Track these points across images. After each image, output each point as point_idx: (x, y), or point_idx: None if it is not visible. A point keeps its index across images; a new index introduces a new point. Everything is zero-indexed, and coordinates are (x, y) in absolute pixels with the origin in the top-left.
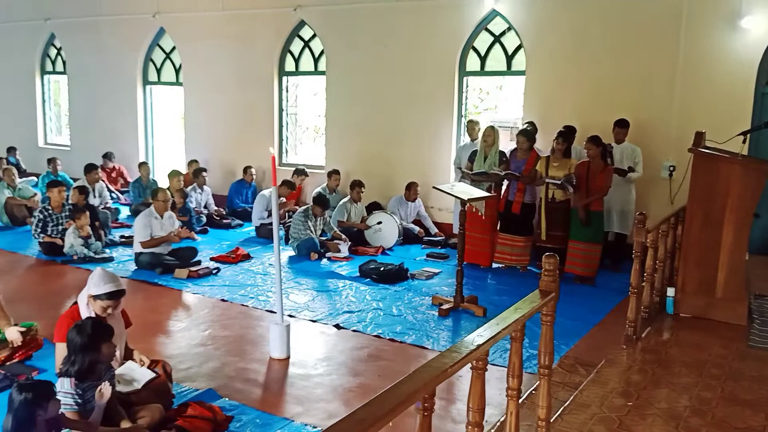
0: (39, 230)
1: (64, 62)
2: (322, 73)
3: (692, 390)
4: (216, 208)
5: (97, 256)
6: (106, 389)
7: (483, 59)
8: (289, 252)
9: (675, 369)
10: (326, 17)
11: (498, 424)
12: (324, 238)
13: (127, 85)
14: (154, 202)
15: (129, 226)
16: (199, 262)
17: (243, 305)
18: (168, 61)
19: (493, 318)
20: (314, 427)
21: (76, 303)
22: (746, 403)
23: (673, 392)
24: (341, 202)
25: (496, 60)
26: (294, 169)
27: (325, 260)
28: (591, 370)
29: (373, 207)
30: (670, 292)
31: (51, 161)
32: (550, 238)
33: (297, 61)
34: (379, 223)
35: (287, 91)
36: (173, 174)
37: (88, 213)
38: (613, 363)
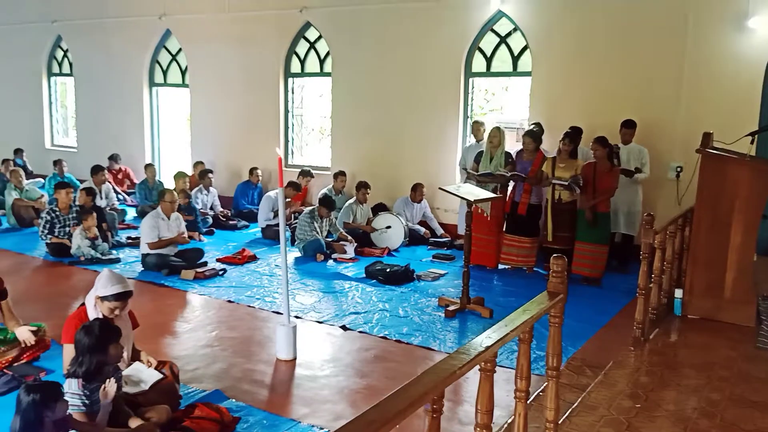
0: (46, 231)
1: (70, 64)
2: (328, 74)
3: (701, 392)
4: (221, 209)
5: (104, 258)
6: (110, 387)
7: (489, 60)
8: (295, 253)
9: (683, 371)
10: (332, 19)
11: (505, 426)
12: (330, 240)
13: (134, 86)
14: (161, 203)
15: (135, 228)
16: (205, 264)
17: (249, 306)
18: (174, 63)
19: (500, 319)
20: (321, 429)
21: (83, 304)
22: (755, 405)
23: (682, 394)
24: (347, 204)
25: (502, 61)
26: (299, 170)
27: (331, 261)
28: (598, 371)
29: (379, 208)
30: (678, 293)
31: (57, 163)
32: (556, 239)
33: (303, 62)
34: (388, 227)
35: (293, 93)
36: (179, 175)
37: (95, 214)
38: (621, 365)
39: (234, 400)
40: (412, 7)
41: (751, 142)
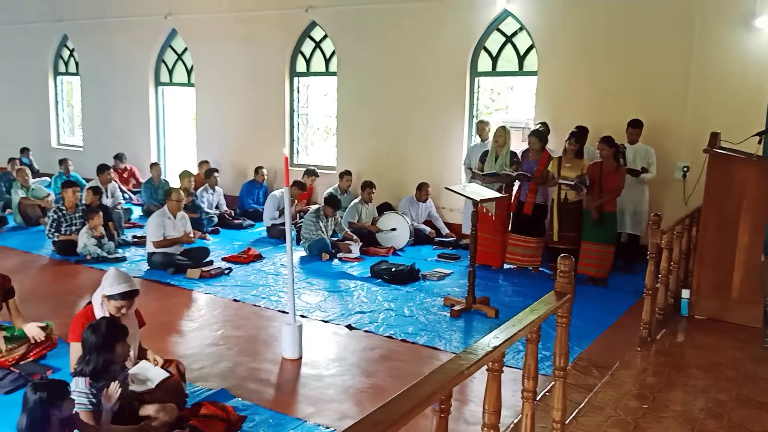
0: (53, 230)
1: (76, 63)
2: (334, 73)
3: (708, 392)
4: (225, 209)
5: (110, 256)
6: (113, 391)
7: (494, 59)
8: (300, 252)
9: (690, 371)
10: (337, 18)
11: (511, 426)
12: (335, 239)
13: (139, 86)
14: (167, 201)
15: (141, 227)
16: (211, 263)
17: (255, 305)
18: (180, 62)
19: (506, 319)
20: (327, 428)
21: (90, 303)
22: (762, 406)
23: (689, 395)
24: (352, 203)
25: (508, 60)
26: (305, 169)
27: (336, 261)
28: (605, 372)
29: (384, 208)
30: (685, 293)
31: (63, 162)
32: (562, 239)
33: (308, 61)
34: (394, 229)
35: (298, 92)
36: (184, 174)
37: (101, 213)
38: (628, 365)
39: (240, 399)
40: (417, 6)
41: (759, 142)
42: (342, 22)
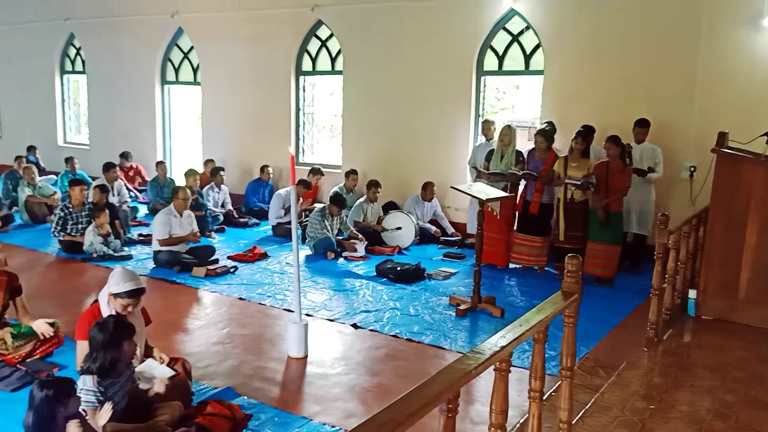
0: (59, 228)
1: (83, 62)
2: (339, 72)
3: (715, 393)
4: (231, 207)
5: (116, 254)
6: (104, 413)
7: (501, 59)
8: (305, 251)
9: (697, 372)
10: (344, 17)
11: (517, 426)
12: (341, 238)
13: (146, 84)
14: (174, 200)
15: (147, 225)
16: (216, 261)
17: (260, 304)
18: (186, 61)
19: (511, 319)
20: (332, 427)
21: (96, 301)
22: None
23: (696, 395)
24: (358, 202)
25: (514, 59)
26: (310, 168)
27: (341, 259)
28: (611, 372)
29: (390, 207)
30: (692, 294)
31: (69, 160)
32: (568, 239)
33: (314, 60)
34: (399, 228)
35: (304, 91)
36: (189, 173)
37: (107, 211)
38: (635, 365)
39: (246, 398)
40: (423, 5)
41: (767, 142)
42: (348, 20)
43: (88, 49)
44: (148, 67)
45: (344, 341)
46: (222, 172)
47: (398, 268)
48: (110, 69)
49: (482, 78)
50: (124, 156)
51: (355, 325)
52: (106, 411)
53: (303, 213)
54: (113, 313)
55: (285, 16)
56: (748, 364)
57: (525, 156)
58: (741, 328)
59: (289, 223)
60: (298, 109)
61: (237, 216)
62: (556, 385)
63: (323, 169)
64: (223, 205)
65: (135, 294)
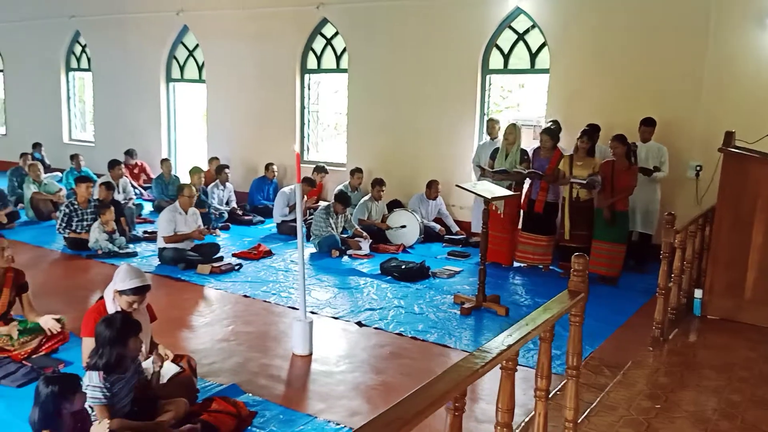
0: (64, 225)
1: (88, 59)
2: (344, 70)
3: (721, 393)
4: (234, 205)
5: (121, 251)
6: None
7: (506, 57)
8: (310, 249)
9: (703, 371)
10: (349, 15)
11: (522, 424)
12: (345, 236)
13: (151, 82)
14: (179, 197)
15: (152, 222)
16: (221, 258)
17: (265, 301)
18: (191, 59)
19: (516, 317)
20: (337, 424)
21: (102, 298)
22: None
23: (702, 395)
24: (362, 201)
25: (520, 58)
26: (314, 166)
27: (346, 257)
28: (616, 371)
29: (394, 205)
30: (698, 293)
31: (74, 157)
32: (573, 238)
33: (319, 58)
34: (403, 226)
35: (309, 89)
36: (194, 171)
37: (113, 208)
38: (640, 365)
39: (250, 395)
40: (429, 3)
41: None
42: (353, 19)
43: (93, 46)
44: (154, 64)
45: (349, 339)
46: (227, 170)
47: (403, 267)
48: (116, 66)
49: (487, 76)
50: (129, 153)
51: (359, 323)
52: (104, 427)
53: (307, 211)
54: (119, 310)
55: (290, 14)
56: (755, 364)
57: (530, 155)
58: (747, 328)
59: (294, 220)
60: (302, 107)
61: (241, 214)
62: (561, 383)
63: (328, 167)
64: (227, 203)
65: (140, 291)
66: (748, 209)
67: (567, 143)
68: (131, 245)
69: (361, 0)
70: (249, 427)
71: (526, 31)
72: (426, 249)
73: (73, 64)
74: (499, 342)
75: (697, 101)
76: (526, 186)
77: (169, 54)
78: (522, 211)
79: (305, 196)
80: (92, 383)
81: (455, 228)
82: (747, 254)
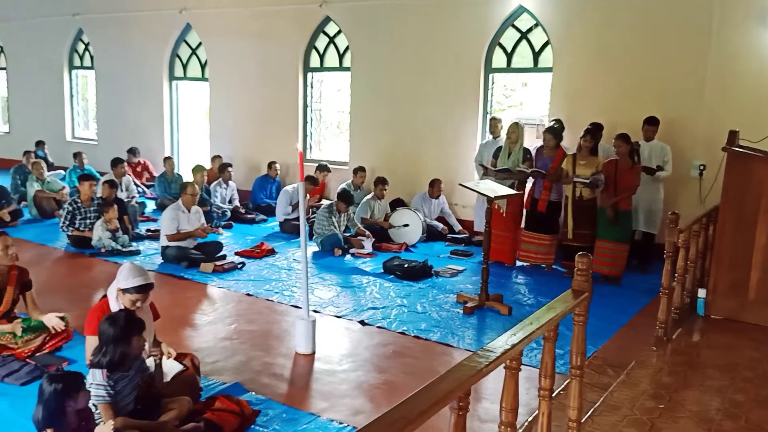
0: (68, 223)
1: (91, 57)
2: (347, 69)
3: (724, 393)
4: (237, 204)
5: (124, 249)
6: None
7: (509, 56)
8: (312, 247)
9: (706, 371)
10: (352, 13)
11: (526, 424)
12: (348, 234)
13: (154, 80)
14: (182, 195)
15: (155, 220)
16: (224, 257)
17: (268, 300)
18: (194, 57)
19: (519, 316)
20: (340, 423)
21: (105, 296)
22: None
23: (705, 395)
24: (365, 199)
25: (523, 57)
26: (317, 165)
27: (348, 256)
28: (620, 371)
29: (397, 204)
30: (701, 293)
31: (77, 155)
32: (576, 237)
33: (322, 57)
34: (406, 225)
35: (312, 87)
36: (197, 169)
37: (116, 206)
38: (644, 364)
39: (254, 393)
40: (432, 2)
41: None
42: (356, 17)
43: (96, 44)
44: (157, 62)
45: (352, 338)
46: (230, 168)
47: (405, 265)
48: (119, 65)
49: (490, 75)
50: (132, 152)
51: (362, 322)
52: (108, 428)
53: (310, 209)
54: (122, 308)
55: (293, 13)
56: (758, 363)
57: (533, 153)
58: (751, 328)
59: (296, 219)
60: (305, 106)
61: (244, 212)
62: (565, 383)
63: (330, 166)
64: (230, 201)
65: (143, 289)
66: (751, 209)
67: (570, 142)
68: (134, 243)
69: None
70: (252, 426)
71: (529, 30)
72: (429, 248)
73: (76, 62)
74: (503, 341)
75: (700, 100)
76: (529, 185)
77: (171, 52)
78: (525, 210)
79: (308, 195)
80: (95, 381)
81: (458, 227)
82: (751, 254)
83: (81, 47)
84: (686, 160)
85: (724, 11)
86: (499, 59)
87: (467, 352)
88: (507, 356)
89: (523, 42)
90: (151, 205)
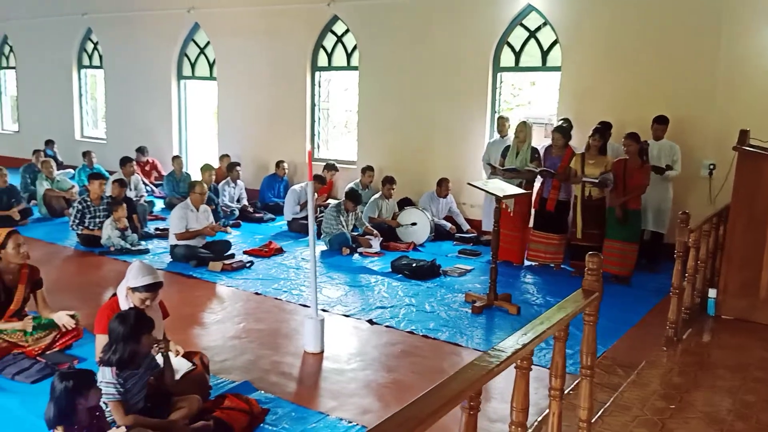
0: (77, 222)
1: (100, 57)
2: (355, 68)
3: (735, 393)
4: (245, 203)
5: (133, 248)
6: None
7: (518, 55)
8: (321, 246)
9: (717, 372)
10: (359, 12)
11: (535, 423)
12: (356, 234)
13: (162, 79)
14: (191, 194)
15: (163, 219)
16: (232, 256)
17: (276, 299)
18: (202, 56)
19: (527, 316)
20: (349, 422)
21: (115, 295)
22: None
23: (716, 395)
24: (372, 199)
25: (531, 56)
26: (324, 164)
27: (356, 255)
28: (629, 371)
29: (405, 203)
30: (712, 293)
31: (86, 154)
32: (585, 237)
33: (330, 56)
34: (414, 224)
35: (319, 86)
36: (205, 168)
37: (125, 205)
38: (654, 364)
39: (263, 392)
40: (440, 1)
41: None
42: (364, 16)
43: (105, 44)
44: (165, 62)
45: (360, 337)
46: (238, 167)
47: (413, 265)
48: (127, 64)
49: (498, 74)
50: (141, 150)
51: (370, 321)
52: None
53: (317, 209)
54: (132, 306)
55: (301, 12)
56: None
57: (541, 153)
58: (762, 328)
59: (304, 218)
60: (313, 105)
61: (252, 211)
62: (574, 383)
63: (338, 165)
64: (238, 200)
65: (153, 288)
66: (762, 208)
67: (579, 141)
68: (143, 242)
69: None
70: (262, 425)
71: (538, 29)
72: (437, 247)
73: (85, 61)
74: (514, 341)
75: (710, 99)
76: (537, 184)
77: (180, 51)
78: (534, 210)
79: (315, 194)
80: (105, 379)
81: (466, 226)
82: (762, 253)
83: (90, 46)
84: (696, 160)
85: (733, 11)
86: (507, 58)
87: (476, 351)
88: (518, 356)
89: (532, 41)
90: (159, 204)
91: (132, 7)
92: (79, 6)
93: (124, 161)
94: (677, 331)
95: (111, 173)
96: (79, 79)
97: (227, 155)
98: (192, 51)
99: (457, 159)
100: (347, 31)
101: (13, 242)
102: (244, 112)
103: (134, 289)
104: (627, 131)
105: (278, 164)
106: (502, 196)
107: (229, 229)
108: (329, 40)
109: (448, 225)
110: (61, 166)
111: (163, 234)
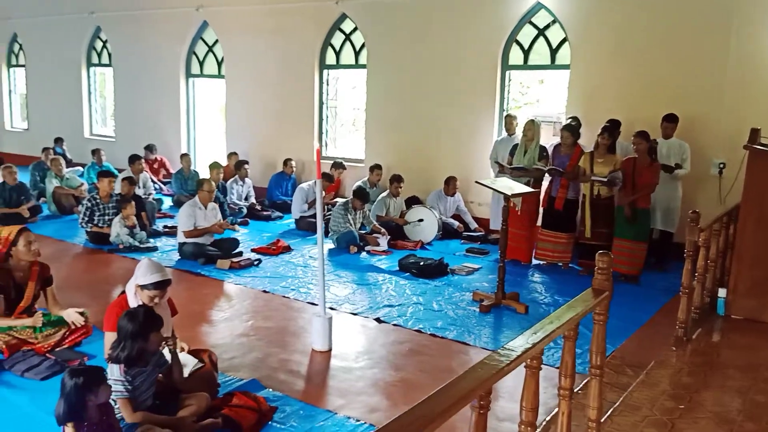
0: (86, 219)
1: (109, 55)
2: (363, 66)
3: (746, 394)
4: (253, 201)
5: (141, 246)
6: None
7: (526, 53)
8: (328, 245)
9: (727, 372)
10: (368, 10)
11: (544, 423)
12: (363, 232)
13: (171, 77)
14: (199, 192)
15: (171, 217)
16: (240, 254)
17: (284, 297)
18: (210, 54)
19: (535, 315)
20: (357, 420)
21: (124, 292)
22: None
23: (726, 395)
24: (380, 197)
25: (540, 54)
26: (332, 162)
27: (364, 254)
28: (639, 371)
29: (412, 201)
30: (722, 292)
31: (95, 152)
32: (594, 236)
33: (338, 54)
34: (421, 220)
35: (327, 85)
36: (213, 166)
37: (134, 203)
38: (663, 364)
39: (271, 390)
40: None
41: None
42: (372, 14)
43: (114, 42)
44: (173, 60)
45: (368, 335)
46: (246, 166)
47: (421, 263)
48: (136, 62)
49: (507, 72)
50: (149, 148)
51: (378, 320)
52: None
53: (325, 207)
54: (140, 304)
55: (309, 10)
56: None
57: (549, 151)
58: None
59: (312, 216)
60: (321, 103)
61: (260, 209)
62: (584, 382)
63: (345, 163)
64: (246, 198)
65: (161, 285)
66: None
67: (587, 140)
68: (152, 240)
69: None
70: (270, 422)
71: (547, 27)
72: (444, 246)
73: (94, 59)
74: (524, 340)
75: (720, 98)
76: (545, 183)
77: (188, 50)
78: (542, 208)
79: (323, 192)
80: (113, 376)
81: (473, 225)
82: None
83: (99, 45)
84: (705, 159)
85: (743, 9)
86: (515, 56)
87: (484, 350)
88: (528, 355)
89: (541, 39)
90: (167, 202)
91: (140, 6)
92: (87, 5)
93: (133, 159)
94: (687, 330)
95: (120, 171)
96: (88, 77)
97: (235, 153)
98: (200, 49)
99: (465, 157)
100: (355, 29)
101: (24, 239)
102: (253, 110)
103: (143, 287)
104: (636, 129)
105: (286, 162)
106: (510, 194)
107: (237, 227)
108: (337, 38)
109: (456, 223)
110: (70, 163)
111: (171, 232)
